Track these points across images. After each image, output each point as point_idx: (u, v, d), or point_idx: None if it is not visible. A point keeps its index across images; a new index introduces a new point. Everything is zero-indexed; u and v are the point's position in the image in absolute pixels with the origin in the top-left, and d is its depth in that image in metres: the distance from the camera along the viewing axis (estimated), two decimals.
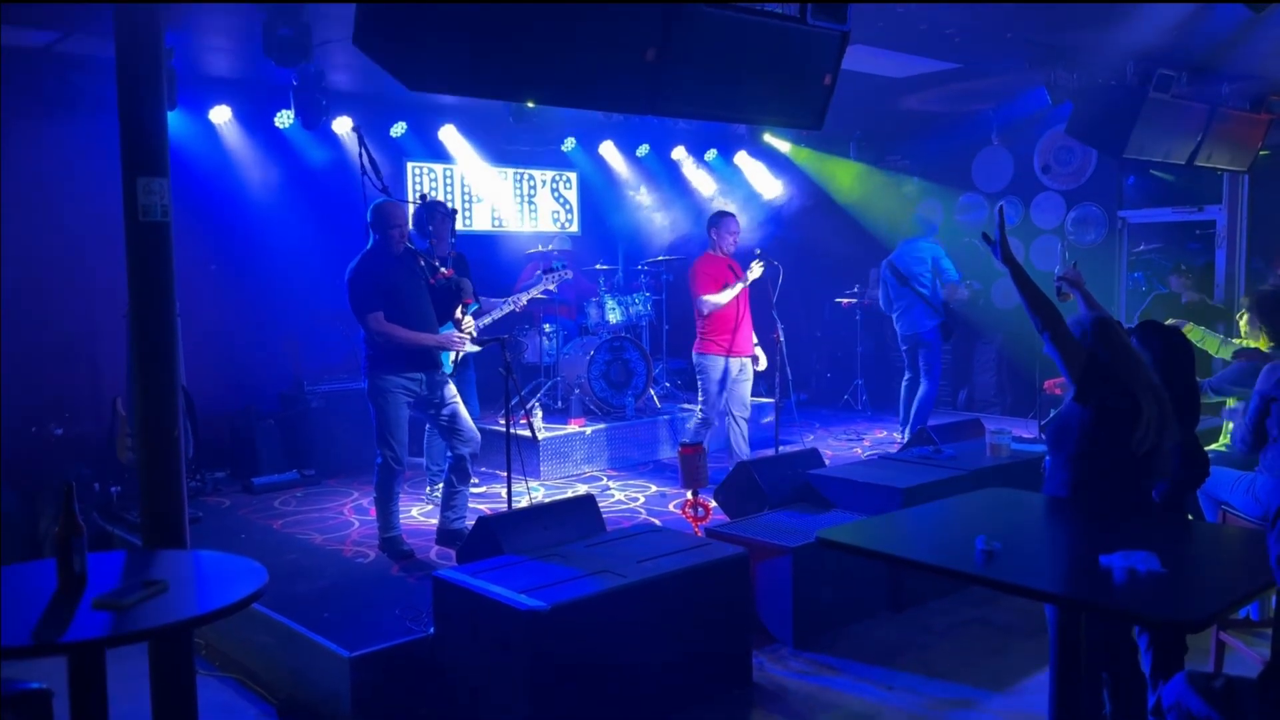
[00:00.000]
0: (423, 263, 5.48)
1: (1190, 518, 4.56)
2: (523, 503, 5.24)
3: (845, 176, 10.45)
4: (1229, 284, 8.93)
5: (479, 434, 5.56)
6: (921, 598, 4.98)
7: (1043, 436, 5.88)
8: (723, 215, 6.84)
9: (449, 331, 5.54)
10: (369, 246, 5.27)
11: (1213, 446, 5.06)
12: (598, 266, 8.47)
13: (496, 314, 6.32)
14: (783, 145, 10.15)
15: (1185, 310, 7.58)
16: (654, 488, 6.97)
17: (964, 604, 4.98)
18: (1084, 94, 6.75)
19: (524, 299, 6.60)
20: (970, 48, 6.51)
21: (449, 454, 5.53)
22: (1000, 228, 3.49)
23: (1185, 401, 3.55)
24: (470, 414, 6.26)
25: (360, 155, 5.30)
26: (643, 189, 9.74)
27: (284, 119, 7.27)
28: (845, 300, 10.18)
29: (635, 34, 4.18)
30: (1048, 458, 3.51)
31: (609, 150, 9.41)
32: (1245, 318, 5.57)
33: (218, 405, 7.15)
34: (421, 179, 8.51)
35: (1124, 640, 3.30)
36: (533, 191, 9.31)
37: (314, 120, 6.92)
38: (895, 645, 4.52)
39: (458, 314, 5.74)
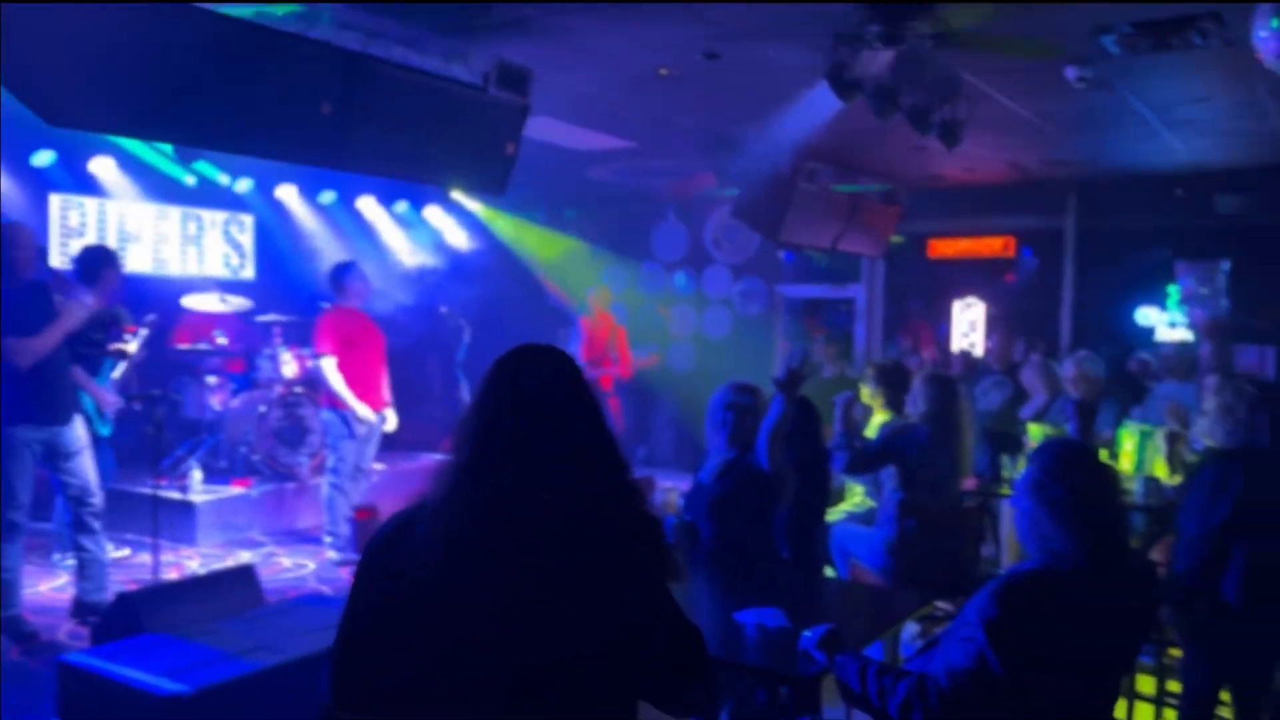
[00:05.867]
0: (59, 297, 4.87)
1: (828, 572, 5.04)
2: (172, 574, 4.81)
3: (535, 240, 10.71)
4: (867, 354, 10.05)
5: (98, 486, 5.02)
6: None
7: None
8: (349, 266, 6.57)
9: (102, 386, 5.01)
10: None
11: (844, 506, 5.64)
12: (269, 317, 7.96)
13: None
14: (474, 205, 10.24)
15: (831, 383, 8.41)
16: (331, 553, 6.64)
17: None
18: (745, 180, 7.41)
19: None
20: (646, 130, 6.95)
21: (68, 511, 4.99)
22: None
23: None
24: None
25: None
26: (328, 237, 9.41)
27: None
28: None
29: (312, 86, 4.09)
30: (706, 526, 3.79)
31: (289, 194, 9.01)
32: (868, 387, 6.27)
33: None
34: (69, 214, 7.69)
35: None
36: (201, 233, 8.69)
37: None
38: None
39: (121, 346, 5.17)
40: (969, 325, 9.65)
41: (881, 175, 8.67)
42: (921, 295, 10.15)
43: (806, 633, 2.57)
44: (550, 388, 1.78)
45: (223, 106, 3.83)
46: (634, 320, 10.05)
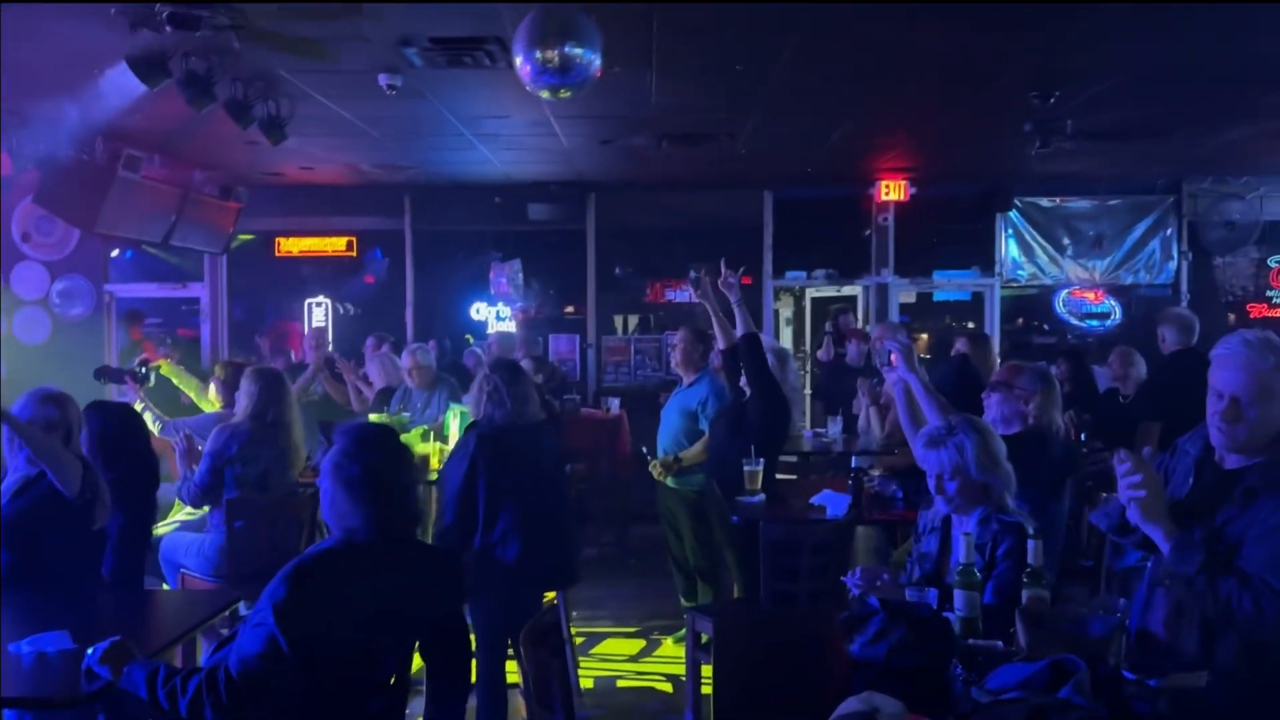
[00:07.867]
0: None
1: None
2: None
3: None
4: (214, 354, 9.55)
5: None
6: None
7: None
8: None
9: None
10: None
11: (178, 515, 5.33)
12: None
13: None
14: None
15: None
16: None
17: None
18: (51, 165, 6.53)
19: None
20: None
21: None
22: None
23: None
24: None
25: None
26: None
27: None
28: None
29: None
30: None
31: None
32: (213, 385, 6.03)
33: None
34: None
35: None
36: None
37: None
38: None
39: None
40: (319, 322, 9.72)
41: (216, 168, 8.30)
42: (272, 293, 9.98)
43: (89, 651, 2.38)
44: None
45: None
46: None
